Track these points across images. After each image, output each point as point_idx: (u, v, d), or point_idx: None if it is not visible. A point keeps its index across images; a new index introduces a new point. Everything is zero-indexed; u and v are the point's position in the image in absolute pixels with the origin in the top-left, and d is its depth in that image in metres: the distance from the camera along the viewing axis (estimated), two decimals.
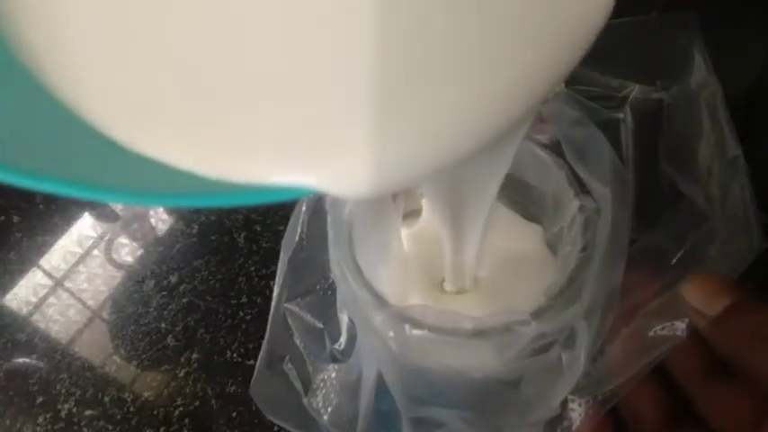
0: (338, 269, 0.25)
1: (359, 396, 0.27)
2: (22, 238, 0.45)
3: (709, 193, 0.23)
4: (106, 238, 0.45)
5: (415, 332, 0.23)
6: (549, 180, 0.27)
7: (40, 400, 0.38)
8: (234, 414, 0.36)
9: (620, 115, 0.26)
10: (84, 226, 0.46)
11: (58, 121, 0.14)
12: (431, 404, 0.25)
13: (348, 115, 0.12)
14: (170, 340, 0.39)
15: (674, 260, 0.22)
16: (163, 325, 0.40)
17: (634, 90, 0.26)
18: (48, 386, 0.39)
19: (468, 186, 0.22)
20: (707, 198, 0.23)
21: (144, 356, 0.39)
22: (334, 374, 0.29)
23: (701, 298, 0.21)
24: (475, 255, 0.25)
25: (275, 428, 0.35)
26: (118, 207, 0.47)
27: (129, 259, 0.44)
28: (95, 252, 0.44)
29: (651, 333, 0.22)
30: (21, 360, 0.40)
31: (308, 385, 0.29)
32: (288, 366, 0.29)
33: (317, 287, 0.30)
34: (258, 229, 0.43)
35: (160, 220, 0.45)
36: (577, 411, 0.24)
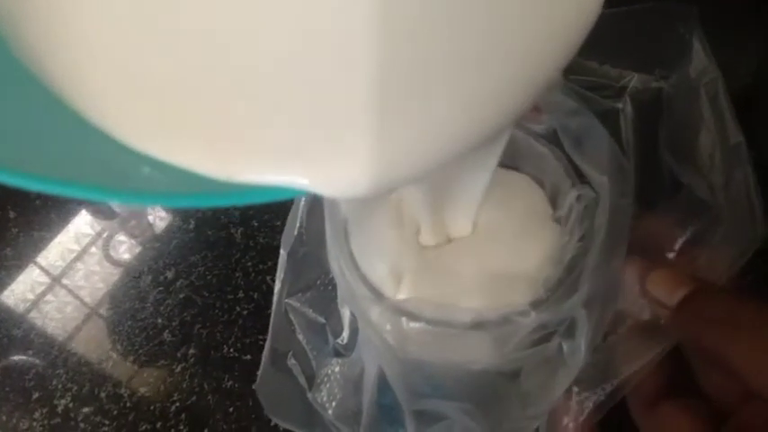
0: (336, 264, 0.25)
1: (362, 390, 0.27)
2: (19, 234, 0.45)
3: (712, 181, 0.23)
4: (104, 234, 0.45)
5: (413, 325, 0.23)
6: (546, 170, 0.27)
7: (36, 395, 0.38)
8: (231, 409, 0.36)
9: (620, 105, 0.26)
10: (82, 223, 0.45)
11: (58, 121, 0.14)
12: (431, 397, 0.25)
13: (347, 118, 0.13)
14: (167, 336, 0.39)
15: (677, 247, 0.22)
16: (159, 321, 0.40)
17: (633, 79, 0.26)
18: (44, 382, 0.38)
19: (457, 182, 0.22)
20: (709, 186, 0.23)
21: (141, 352, 0.39)
22: (337, 369, 0.29)
23: (663, 290, 0.22)
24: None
25: (272, 424, 0.35)
26: (115, 204, 0.47)
27: (126, 256, 0.43)
28: (93, 249, 0.44)
29: (663, 321, 0.22)
30: (17, 356, 0.40)
31: (311, 380, 0.29)
32: (291, 362, 0.29)
33: (318, 282, 0.30)
34: (255, 224, 0.42)
35: (157, 216, 0.45)
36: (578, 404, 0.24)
